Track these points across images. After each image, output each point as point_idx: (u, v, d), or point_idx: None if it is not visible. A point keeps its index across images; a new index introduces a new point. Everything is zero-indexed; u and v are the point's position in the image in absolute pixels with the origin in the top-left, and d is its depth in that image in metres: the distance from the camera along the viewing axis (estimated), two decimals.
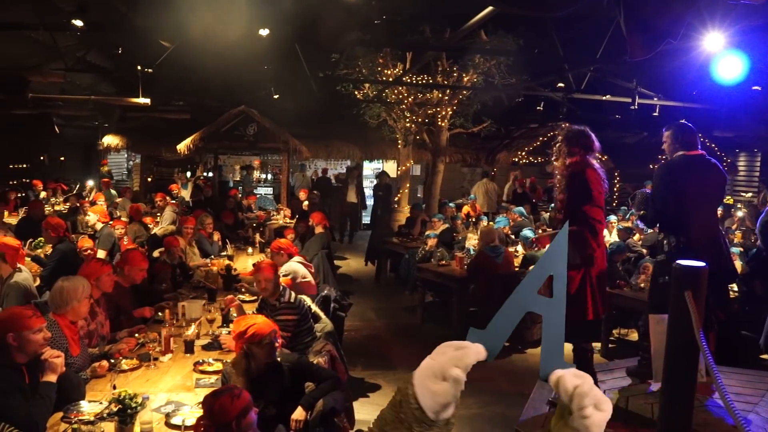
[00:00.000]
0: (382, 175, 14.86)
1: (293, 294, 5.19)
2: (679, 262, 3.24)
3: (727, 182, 4.70)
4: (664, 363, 3.28)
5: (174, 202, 11.77)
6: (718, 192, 4.77)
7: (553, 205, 13.49)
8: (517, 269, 8.37)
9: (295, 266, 6.57)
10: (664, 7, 4.07)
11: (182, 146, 13.07)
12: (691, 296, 3.06)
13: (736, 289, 7.61)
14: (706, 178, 4.58)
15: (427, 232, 9.94)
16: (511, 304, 1.00)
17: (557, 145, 4.66)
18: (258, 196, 15.14)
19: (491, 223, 10.44)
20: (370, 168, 18.42)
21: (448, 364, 1.01)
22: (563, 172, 4.54)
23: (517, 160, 14.91)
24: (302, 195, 13.58)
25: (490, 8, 6.07)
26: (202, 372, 4.11)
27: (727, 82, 7.20)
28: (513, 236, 10.02)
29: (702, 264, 3.23)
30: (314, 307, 5.65)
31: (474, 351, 1.04)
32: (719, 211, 4.57)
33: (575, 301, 4.30)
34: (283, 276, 5.96)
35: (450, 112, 13.20)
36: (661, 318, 3.36)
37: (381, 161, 17.60)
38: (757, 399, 4.74)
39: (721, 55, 6.90)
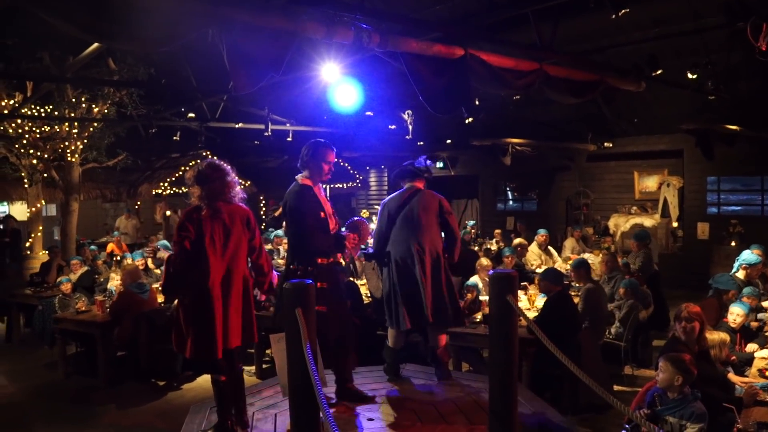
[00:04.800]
0: (7, 219, 13.31)
1: None
2: (289, 281, 3.45)
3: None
4: (288, 377, 3.46)
5: None
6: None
7: None
8: (161, 304, 8.14)
9: None
10: (263, 45, 4.30)
11: None
12: (301, 313, 3.28)
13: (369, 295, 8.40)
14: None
15: (59, 278, 9.15)
16: None
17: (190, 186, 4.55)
18: None
19: (135, 260, 9.98)
20: None
21: None
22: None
23: (160, 191, 14.54)
24: None
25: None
26: None
27: (344, 109, 7.89)
28: (158, 270, 9.72)
29: (309, 281, 3.49)
30: None
31: None
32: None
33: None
34: None
35: (81, 146, 12.32)
36: (280, 336, 3.55)
37: (6, 204, 15.77)
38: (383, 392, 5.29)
39: (337, 84, 7.54)
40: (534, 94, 7.36)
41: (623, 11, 5.05)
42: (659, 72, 8.06)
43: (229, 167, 4.56)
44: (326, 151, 4.86)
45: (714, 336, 5.39)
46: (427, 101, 5.51)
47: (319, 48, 6.58)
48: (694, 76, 9.13)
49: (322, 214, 4.74)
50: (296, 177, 4.93)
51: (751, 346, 6.07)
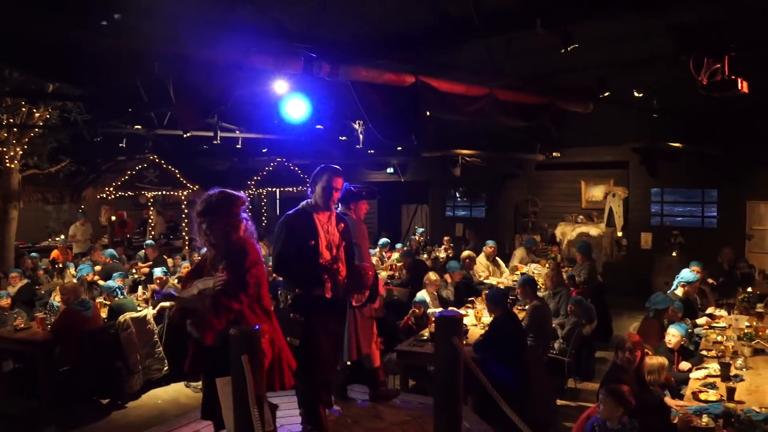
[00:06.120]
0: None
1: None
2: (236, 327, 3.42)
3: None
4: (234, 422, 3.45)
5: None
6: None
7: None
8: (105, 321, 7.96)
9: None
10: (210, 81, 4.22)
11: None
12: (247, 360, 3.26)
13: None
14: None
15: None
16: None
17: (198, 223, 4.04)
18: None
19: (84, 275, 9.63)
20: None
21: None
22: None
23: (105, 195, 14.19)
24: None
25: None
26: None
27: (294, 120, 7.85)
28: (102, 282, 9.43)
29: (257, 327, 3.47)
30: None
31: None
32: None
33: None
34: None
35: (20, 152, 11.88)
36: (227, 380, 3.51)
37: None
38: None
39: (287, 98, 7.50)
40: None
41: (572, 46, 5.13)
42: (607, 94, 8.23)
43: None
44: (331, 177, 4.69)
45: (653, 361, 5.54)
46: (377, 129, 5.52)
47: (268, 67, 6.50)
48: (641, 95, 9.35)
49: (312, 242, 4.56)
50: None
51: (683, 365, 6.29)
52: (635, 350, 5.15)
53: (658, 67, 9.41)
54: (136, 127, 10.52)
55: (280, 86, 7.01)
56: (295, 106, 7.52)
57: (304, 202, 4.75)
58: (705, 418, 4.76)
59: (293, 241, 4.55)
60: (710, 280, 10.10)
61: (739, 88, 5.80)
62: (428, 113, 6.21)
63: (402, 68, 5.68)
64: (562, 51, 5.16)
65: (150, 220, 16.12)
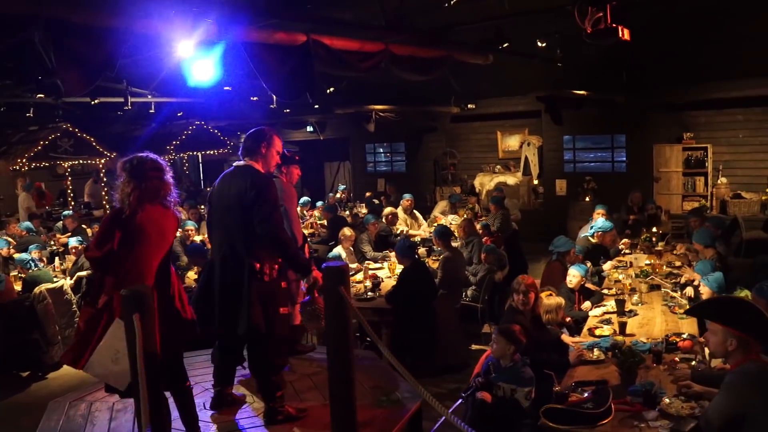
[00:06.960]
0: None
1: None
2: (126, 288, 3.51)
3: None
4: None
5: None
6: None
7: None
8: (19, 293, 7.88)
9: None
10: (92, 46, 4.15)
11: None
12: (138, 318, 3.38)
13: None
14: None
15: None
16: None
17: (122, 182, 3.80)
18: None
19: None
20: None
21: None
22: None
23: (18, 167, 13.75)
24: None
25: None
26: None
27: (202, 83, 7.74)
28: (18, 255, 9.23)
29: (147, 285, 3.57)
30: None
31: None
32: None
33: None
34: None
35: None
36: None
37: None
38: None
39: (192, 60, 7.38)
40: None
41: (454, 1, 5.28)
42: (506, 45, 8.43)
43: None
44: (278, 140, 4.45)
45: (551, 301, 5.85)
46: (271, 89, 5.57)
47: (171, 29, 6.42)
48: (543, 45, 9.61)
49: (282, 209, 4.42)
50: (240, 164, 4.33)
51: (585, 305, 6.65)
52: (529, 292, 5.45)
53: (559, 16, 9.70)
54: (39, 96, 10.18)
55: (184, 49, 6.92)
56: (201, 69, 7.44)
57: (247, 165, 4.32)
58: (596, 352, 5.07)
59: (278, 208, 4.28)
60: (632, 217, 10.74)
61: (620, 36, 6.04)
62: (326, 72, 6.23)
63: (294, 27, 5.72)
64: (446, 5, 5.30)
65: (68, 191, 15.72)
